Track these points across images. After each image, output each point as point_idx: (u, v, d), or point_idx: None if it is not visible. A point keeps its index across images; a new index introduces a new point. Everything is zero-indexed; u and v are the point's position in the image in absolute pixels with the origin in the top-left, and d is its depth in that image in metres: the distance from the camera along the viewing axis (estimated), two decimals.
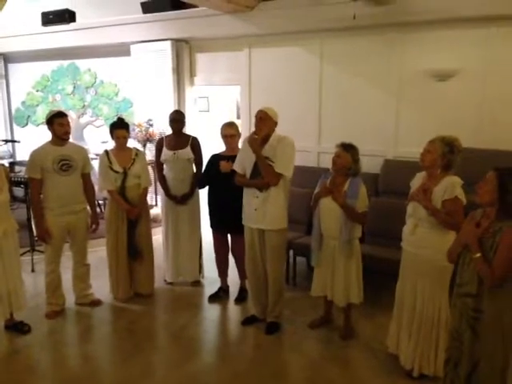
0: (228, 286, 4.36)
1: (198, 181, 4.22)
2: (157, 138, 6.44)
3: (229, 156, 3.85)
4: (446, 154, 2.83)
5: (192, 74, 6.83)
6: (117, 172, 3.95)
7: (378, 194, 4.85)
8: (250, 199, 3.50)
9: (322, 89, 5.58)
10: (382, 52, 5.13)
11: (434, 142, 2.87)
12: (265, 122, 3.36)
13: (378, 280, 4.32)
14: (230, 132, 3.94)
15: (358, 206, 3.27)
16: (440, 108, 4.92)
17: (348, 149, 3.34)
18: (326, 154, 5.42)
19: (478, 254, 2.18)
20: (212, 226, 4.17)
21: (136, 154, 4.06)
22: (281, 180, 3.38)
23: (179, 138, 4.35)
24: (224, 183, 3.73)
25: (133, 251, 4.06)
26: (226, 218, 3.95)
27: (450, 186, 2.76)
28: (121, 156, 4.00)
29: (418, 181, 3.00)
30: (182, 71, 6.76)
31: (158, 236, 5.07)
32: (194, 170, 4.45)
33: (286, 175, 3.38)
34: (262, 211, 3.43)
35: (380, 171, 4.96)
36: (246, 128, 6.04)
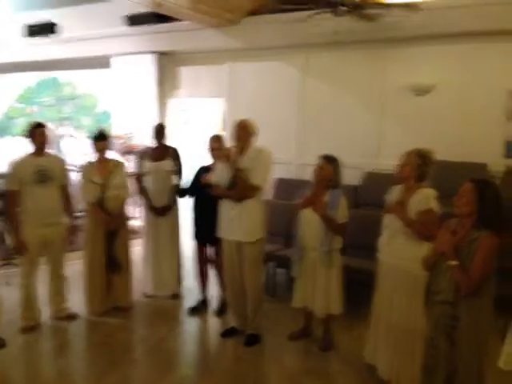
0: (208, 298, 4.36)
1: (182, 190, 4.27)
2: (138, 149, 6.44)
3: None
4: (420, 165, 2.91)
5: (175, 86, 6.89)
6: (97, 183, 3.95)
7: (358, 205, 4.93)
8: (227, 210, 3.53)
9: (305, 102, 5.68)
10: (364, 67, 5.26)
11: (410, 154, 2.96)
12: (243, 132, 3.43)
13: (358, 291, 4.37)
14: (216, 145, 3.99)
15: (338, 217, 3.32)
16: (420, 121, 5.05)
17: (331, 161, 3.41)
18: (307, 166, 5.49)
19: (454, 262, 2.24)
20: (196, 238, 4.19)
21: (116, 165, 4.07)
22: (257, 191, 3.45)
23: (160, 149, 4.39)
24: (210, 195, 3.77)
25: (112, 263, 4.04)
26: (212, 230, 3.97)
27: (425, 198, 2.84)
28: (101, 167, 4.00)
29: (394, 193, 3.07)
30: (166, 84, 6.82)
31: (136, 248, 5.04)
32: (175, 182, 4.47)
33: (262, 186, 3.45)
34: (239, 222, 3.46)
35: (360, 183, 5.04)
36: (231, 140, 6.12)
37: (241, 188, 3.40)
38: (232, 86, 6.23)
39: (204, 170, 4.03)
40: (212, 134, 4.22)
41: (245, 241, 3.50)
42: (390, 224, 2.97)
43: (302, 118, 5.72)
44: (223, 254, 3.66)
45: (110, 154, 4.29)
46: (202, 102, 7.70)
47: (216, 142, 4.00)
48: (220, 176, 3.56)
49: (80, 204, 4.16)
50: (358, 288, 4.30)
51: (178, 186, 4.42)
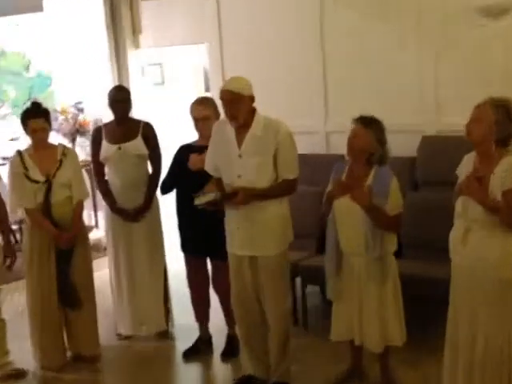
0: (210, 336, 4.42)
1: (161, 184, 4.31)
2: (91, 128, 6.51)
3: (203, 147, 3.92)
4: (500, 121, 2.87)
5: (136, 32, 6.90)
6: (37, 182, 3.99)
7: (417, 186, 4.95)
8: (230, 213, 3.60)
9: (326, 43, 5.65)
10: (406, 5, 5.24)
11: (484, 106, 2.92)
12: (237, 104, 3.45)
13: (424, 310, 4.41)
14: (202, 113, 4.02)
15: (388, 207, 3.35)
16: (494, 58, 5.03)
17: (369, 124, 3.43)
18: (337, 135, 5.51)
19: None
20: (184, 249, 4.24)
21: (63, 154, 4.11)
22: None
23: (125, 126, 4.43)
24: (199, 186, 3.82)
25: (66, 296, 4.10)
26: (204, 236, 4.03)
27: None
28: (41, 158, 4.05)
29: (467, 166, 3.05)
30: (121, 28, 6.83)
31: (102, 271, 5.11)
32: (150, 170, 4.53)
33: (296, 177, 3.56)
34: (248, 230, 3.53)
35: (417, 153, 5.06)
36: (220, 105, 6.12)
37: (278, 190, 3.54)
38: (220, 25, 6.22)
39: (187, 151, 4.07)
40: (195, 98, 4.25)
41: (261, 255, 3.57)
42: (465, 211, 2.97)
43: (326, 66, 5.68)
44: (230, 271, 3.71)
45: (53, 138, 4.34)
46: (176, 53, 7.73)
47: (201, 108, 4.04)
48: (215, 162, 3.64)
49: (15, 213, 4.23)
50: (424, 305, 4.35)
51: (155, 176, 4.45)
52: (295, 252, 4.37)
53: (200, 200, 3.53)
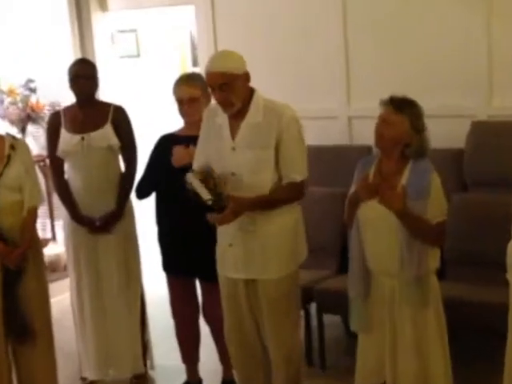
0: (201, 380, 4.44)
1: (137, 185, 4.34)
2: (47, 113, 6.53)
3: (189, 137, 3.96)
4: None
5: None
6: None
7: (465, 186, 4.97)
8: (222, 226, 3.61)
9: (348, 4, 5.69)
10: None
11: None
12: (231, 87, 3.47)
13: (473, 342, 4.44)
14: (188, 93, 4.06)
15: (428, 213, 3.37)
16: None
17: (402, 108, 3.44)
18: (362, 121, 5.53)
19: None
20: (166, 268, 4.28)
21: (12, 148, 4.12)
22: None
23: (89, 110, 4.45)
24: (185, 186, 3.85)
25: (15, 326, 4.10)
26: (192, 251, 4.06)
27: None
28: None
29: None
30: None
31: (62, 296, 5.14)
32: (122, 168, 4.56)
33: (303, 178, 3.59)
34: (243, 246, 3.56)
35: (465, 144, 5.08)
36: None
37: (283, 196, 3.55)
38: None
39: (169, 142, 4.10)
40: (179, 75, 4.29)
41: (260, 278, 3.59)
42: None
43: (348, 34, 5.69)
44: (222, 299, 3.74)
45: None
46: (155, 17, 7.73)
47: (187, 88, 4.08)
48: (206, 157, 3.64)
49: None
50: (474, 337, 4.37)
51: (129, 175, 4.49)
52: (310, 272, 4.43)
53: (193, 179, 3.46)
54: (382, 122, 3.45)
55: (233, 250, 3.59)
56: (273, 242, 3.56)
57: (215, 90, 3.50)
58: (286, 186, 3.56)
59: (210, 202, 3.42)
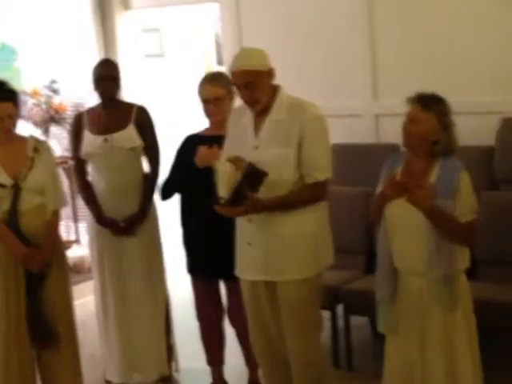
0: (226, 382, 4.44)
1: (161, 186, 4.34)
2: (70, 115, 6.53)
3: (214, 137, 3.96)
4: None
5: None
6: (1, 186, 4.03)
7: (495, 184, 4.94)
8: (241, 223, 3.62)
9: (375, 1, 5.65)
10: None
11: None
12: (256, 85, 3.47)
13: (505, 346, 4.40)
14: (213, 92, 4.06)
15: (458, 211, 3.33)
16: None
17: (430, 105, 3.40)
18: (389, 118, 5.50)
19: None
20: (191, 270, 4.29)
21: (35, 150, 4.13)
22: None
23: (112, 111, 4.47)
24: (210, 187, 3.86)
25: (39, 333, 4.12)
26: (217, 253, 4.05)
27: None
28: (7, 155, 4.06)
29: None
30: None
31: (86, 299, 5.15)
32: (146, 169, 4.56)
33: (327, 178, 3.57)
34: (262, 247, 3.56)
35: (495, 141, 5.03)
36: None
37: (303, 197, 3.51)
38: None
39: (194, 142, 4.09)
40: (204, 74, 4.29)
41: (282, 280, 3.57)
42: None
43: (375, 30, 5.67)
44: (245, 303, 3.75)
45: (21, 128, 4.37)
46: (179, 15, 7.74)
47: (212, 87, 4.08)
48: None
49: None
50: (505, 340, 4.31)
51: (152, 176, 4.50)
52: (336, 272, 4.40)
53: (222, 168, 3.37)
54: (410, 120, 3.42)
55: (251, 249, 3.58)
56: (293, 243, 3.54)
57: (241, 88, 3.50)
58: (307, 185, 3.53)
59: (221, 201, 3.39)
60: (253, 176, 3.38)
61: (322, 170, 3.52)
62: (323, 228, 3.65)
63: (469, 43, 5.33)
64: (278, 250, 3.53)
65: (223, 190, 3.39)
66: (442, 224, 3.31)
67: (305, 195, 3.54)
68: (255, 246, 3.56)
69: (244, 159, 3.42)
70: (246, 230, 3.59)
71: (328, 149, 3.59)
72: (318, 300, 3.71)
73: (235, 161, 3.44)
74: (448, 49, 5.39)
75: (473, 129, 4.84)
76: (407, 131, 3.42)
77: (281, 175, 3.46)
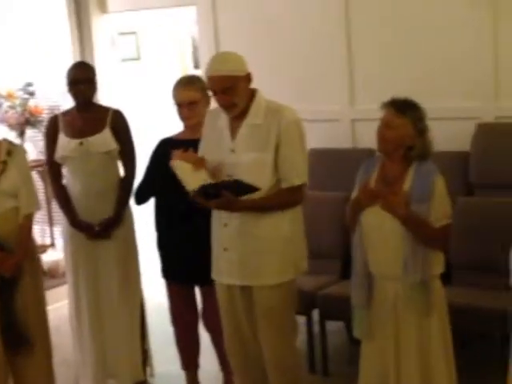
0: None
1: (136, 190, 4.35)
2: (45, 117, 6.50)
3: (189, 141, 3.94)
4: None
5: None
6: None
7: (471, 189, 4.95)
8: (216, 228, 3.63)
9: (351, 3, 5.67)
10: None
11: None
12: (233, 90, 3.46)
13: (479, 351, 4.42)
14: (187, 96, 4.06)
15: (432, 216, 3.36)
16: None
17: (404, 110, 3.43)
18: (365, 123, 5.51)
19: None
20: (166, 274, 4.28)
21: (8, 153, 4.11)
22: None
23: (88, 114, 4.46)
24: (185, 192, 3.85)
25: (10, 336, 4.08)
26: (192, 257, 4.05)
27: None
28: None
29: None
30: None
31: (60, 303, 5.12)
32: (121, 173, 4.55)
33: (303, 183, 3.58)
34: (238, 251, 3.56)
35: (471, 147, 5.05)
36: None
37: (278, 200, 3.53)
38: None
39: (168, 146, 4.07)
40: (179, 78, 4.27)
41: (255, 285, 3.58)
42: None
43: (352, 33, 5.68)
44: (220, 307, 3.74)
45: None
46: (156, 19, 7.72)
47: (187, 91, 4.08)
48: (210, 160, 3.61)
49: None
50: (480, 345, 4.34)
51: (128, 180, 4.50)
52: (312, 277, 4.41)
53: (178, 167, 3.49)
54: (384, 125, 3.44)
55: (228, 254, 3.58)
56: (269, 246, 3.55)
57: (217, 93, 3.50)
58: (283, 189, 3.54)
59: (192, 194, 3.41)
60: (240, 190, 3.41)
61: (298, 174, 3.54)
62: (298, 233, 3.67)
63: (445, 49, 5.35)
64: (254, 254, 3.54)
65: (188, 183, 3.43)
66: (417, 230, 3.34)
67: (281, 199, 3.55)
68: (231, 251, 3.56)
69: (230, 176, 3.47)
70: (222, 235, 3.59)
71: (305, 153, 3.61)
72: (293, 305, 3.72)
73: (214, 170, 3.50)
74: (424, 55, 5.41)
75: (448, 134, 4.90)
76: (382, 136, 3.45)
77: (257, 180, 3.45)
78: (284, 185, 3.53)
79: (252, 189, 3.40)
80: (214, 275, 3.71)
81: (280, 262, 3.58)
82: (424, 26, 5.40)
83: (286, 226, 3.58)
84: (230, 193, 3.36)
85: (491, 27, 5.16)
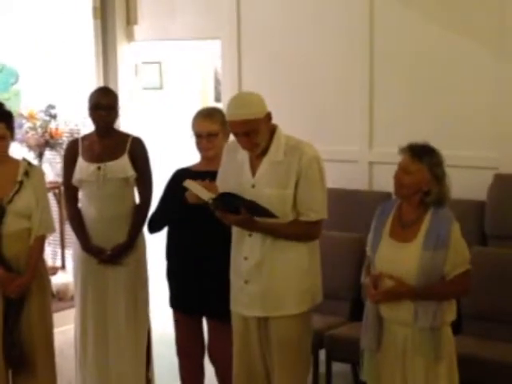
0: None
1: (149, 219, 4.35)
2: (65, 140, 6.56)
3: (205, 172, 3.97)
4: None
5: (130, 21, 6.99)
6: None
7: (486, 239, 4.95)
8: (237, 261, 3.65)
9: (375, 48, 5.70)
10: None
11: None
12: (254, 132, 3.49)
13: None
14: (207, 127, 4.07)
15: (450, 263, 3.37)
16: None
17: (422, 156, 3.44)
18: (383, 166, 5.51)
19: None
20: (173, 305, 4.25)
21: (26, 174, 4.13)
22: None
23: (108, 140, 4.49)
24: (198, 223, 3.86)
25: (12, 357, 4.08)
26: (201, 290, 4.04)
27: None
28: None
29: None
30: (112, 15, 6.92)
31: (68, 327, 5.10)
32: (137, 200, 4.57)
33: (320, 218, 3.61)
34: (260, 283, 3.58)
35: (487, 196, 5.06)
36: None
37: (296, 232, 3.56)
38: (239, 17, 6.29)
39: (184, 176, 4.07)
40: (199, 109, 4.30)
41: (273, 316, 3.58)
42: None
43: (371, 77, 5.73)
44: (234, 337, 3.73)
45: (15, 151, 4.38)
46: (180, 50, 7.78)
47: (206, 122, 4.09)
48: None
49: None
50: None
51: (143, 207, 4.51)
52: (321, 317, 4.43)
53: (191, 185, 3.59)
54: (401, 170, 3.47)
55: (248, 287, 3.60)
56: (288, 279, 3.57)
57: (239, 136, 3.53)
58: (300, 221, 3.56)
59: (211, 201, 3.47)
60: (258, 211, 3.46)
61: (317, 209, 3.57)
62: (315, 266, 3.69)
63: (467, 98, 5.37)
64: (275, 286, 3.56)
65: (204, 194, 3.53)
66: (432, 296, 3.37)
67: (297, 229, 3.57)
68: (252, 283, 3.58)
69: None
70: (243, 268, 3.61)
71: (324, 190, 3.62)
72: (309, 338, 3.73)
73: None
74: (446, 102, 5.43)
75: (466, 182, 4.90)
76: (399, 181, 3.47)
77: (278, 215, 3.48)
78: (302, 218, 3.55)
79: (269, 213, 3.44)
80: (233, 307, 3.71)
81: (299, 293, 3.60)
82: (447, 74, 5.44)
83: (305, 259, 3.61)
84: (247, 212, 3.42)
85: None
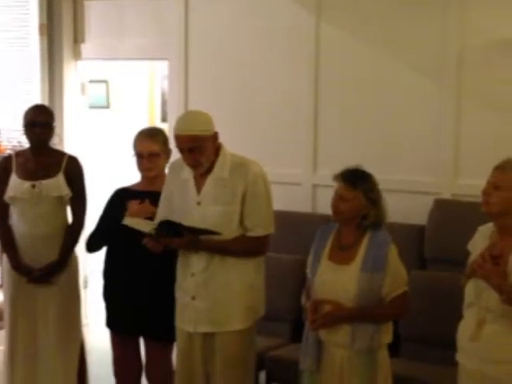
0: None
1: (88, 238, 4.29)
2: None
3: (145, 192, 3.96)
4: None
5: (78, 39, 6.94)
6: None
7: (424, 262, 4.98)
8: (183, 277, 3.65)
9: (320, 75, 5.75)
10: (429, 14, 5.36)
11: (505, 169, 3.08)
12: (200, 149, 3.52)
13: None
14: (149, 147, 4.05)
15: (387, 285, 3.39)
16: None
17: (356, 182, 3.48)
18: (327, 189, 5.52)
19: None
20: (110, 324, 4.20)
21: None
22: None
23: (44, 158, 4.45)
24: (137, 243, 3.82)
25: None
26: (137, 310, 3.99)
27: None
28: None
29: (482, 240, 3.16)
30: (59, 33, 6.86)
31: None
32: (69, 219, 4.51)
33: (268, 233, 3.67)
34: (207, 299, 3.59)
35: (427, 221, 5.10)
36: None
37: (242, 248, 3.59)
38: (187, 38, 6.30)
39: (124, 196, 4.09)
40: (141, 129, 4.28)
41: (219, 331, 3.58)
42: (479, 298, 3.03)
43: (316, 101, 5.77)
44: (177, 354, 3.73)
45: None
46: (126, 70, 7.76)
47: (148, 142, 4.08)
48: (170, 213, 3.65)
49: None
50: None
51: (76, 227, 4.48)
52: (261, 338, 4.36)
53: (130, 222, 3.61)
54: (337, 198, 3.52)
55: (196, 302, 3.60)
56: (235, 294, 3.60)
57: (184, 152, 3.54)
58: (248, 237, 3.60)
59: (153, 232, 3.51)
60: (199, 232, 3.50)
61: (264, 225, 3.62)
62: (260, 280, 3.73)
63: (408, 124, 5.43)
64: (221, 301, 3.59)
65: (145, 226, 3.56)
66: (371, 318, 3.39)
67: (244, 245, 3.62)
68: (200, 299, 3.59)
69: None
70: (190, 284, 3.61)
71: (270, 205, 3.67)
72: (253, 355, 3.77)
73: None
74: (387, 127, 5.49)
75: (407, 207, 4.99)
76: (336, 208, 3.52)
77: (223, 232, 3.51)
78: (250, 234, 3.59)
79: (210, 232, 3.47)
80: (179, 323, 3.71)
81: (245, 309, 3.64)
82: (390, 100, 5.50)
83: (251, 274, 3.66)
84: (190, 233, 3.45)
85: (454, 106, 5.26)
